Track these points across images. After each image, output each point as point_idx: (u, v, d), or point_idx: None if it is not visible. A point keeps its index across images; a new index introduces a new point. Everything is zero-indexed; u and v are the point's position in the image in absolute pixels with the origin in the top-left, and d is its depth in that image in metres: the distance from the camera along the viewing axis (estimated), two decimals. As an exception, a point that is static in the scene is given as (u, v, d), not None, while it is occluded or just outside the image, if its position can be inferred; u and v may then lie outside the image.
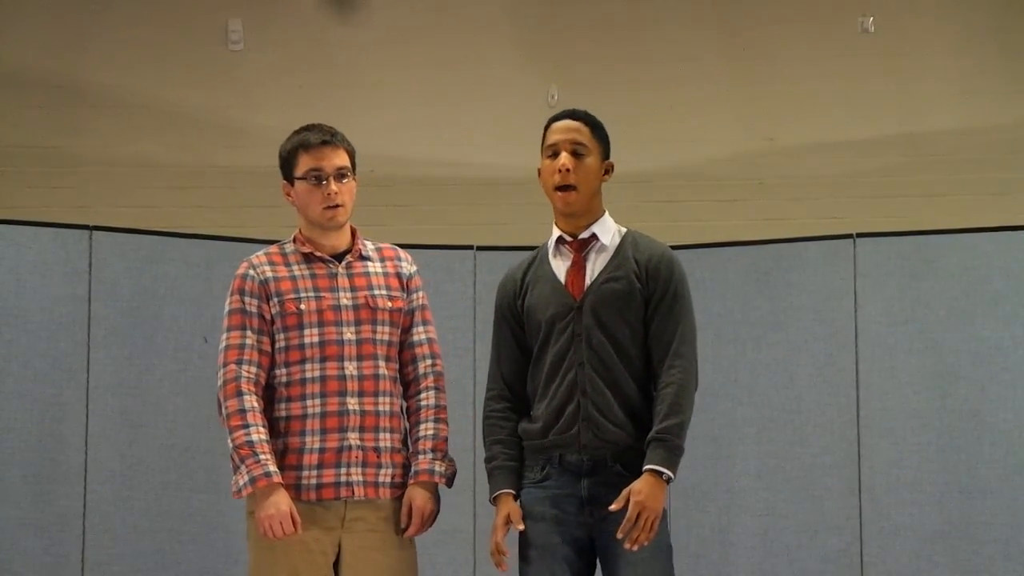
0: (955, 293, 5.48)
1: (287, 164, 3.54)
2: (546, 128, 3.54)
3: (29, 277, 5.35)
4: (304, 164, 3.50)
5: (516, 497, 3.47)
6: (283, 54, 7.19)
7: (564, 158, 3.45)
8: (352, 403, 3.45)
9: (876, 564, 5.43)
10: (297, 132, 3.56)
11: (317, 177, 3.49)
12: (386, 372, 3.51)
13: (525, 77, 7.15)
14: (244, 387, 3.41)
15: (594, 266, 3.48)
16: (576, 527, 3.39)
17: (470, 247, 5.83)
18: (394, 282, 3.58)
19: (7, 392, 5.26)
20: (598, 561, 3.44)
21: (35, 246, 5.38)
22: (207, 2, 7.23)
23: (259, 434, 3.38)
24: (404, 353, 3.59)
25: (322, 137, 3.51)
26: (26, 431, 5.27)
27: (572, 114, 3.53)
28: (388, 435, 3.50)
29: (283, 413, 3.46)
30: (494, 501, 3.48)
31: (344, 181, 3.51)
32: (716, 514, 5.61)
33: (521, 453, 3.49)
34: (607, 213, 3.55)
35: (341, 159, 3.52)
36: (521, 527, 3.41)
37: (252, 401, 3.41)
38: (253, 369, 3.44)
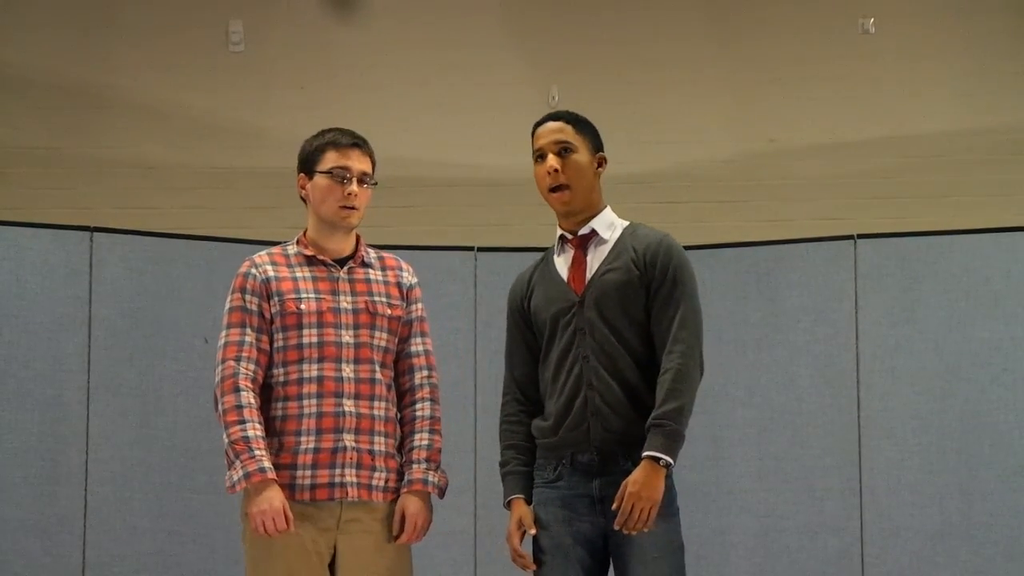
0: (955, 294, 5.48)
1: (310, 159, 3.58)
2: (532, 134, 3.56)
3: (30, 278, 5.35)
4: (331, 161, 3.54)
5: (528, 501, 3.48)
6: (284, 56, 7.19)
7: (551, 160, 3.48)
8: (348, 405, 3.46)
9: (877, 565, 5.43)
10: (325, 131, 3.61)
11: (342, 176, 3.53)
12: (381, 378, 3.54)
13: (526, 78, 7.15)
14: (242, 383, 3.43)
15: (594, 260, 3.49)
16: (588, 527, 3.39)
17: (471, 248, 5.82)
18: (394, 291, 3.61)
19: (8, 392, 5.26)
20: (611, 560, 3.44)
21: (36, 247, 5.38)
22: (208, 3, 7.23)
23: (255, 430, 3.39)
24: (401, 363, 3.62)
25: (353, 139, 3.59)
26: (26, 431, 5.27)
27: (553, 116, 3.55)
28: (383, 439, 3.51)
29: (279, 412, 3.47)
30: (507, 506, 3.51)
31: (364, 186, 3.57)
32: (716, 515, 5.61)
33: (533, 457, 3.50)
34: (608, 207, 3.56)
35: (366, 164, 3.59)
36: (533, 531, 3.43)
37: (249, 398, 3.42)
38: (251, 367, 3.46)
